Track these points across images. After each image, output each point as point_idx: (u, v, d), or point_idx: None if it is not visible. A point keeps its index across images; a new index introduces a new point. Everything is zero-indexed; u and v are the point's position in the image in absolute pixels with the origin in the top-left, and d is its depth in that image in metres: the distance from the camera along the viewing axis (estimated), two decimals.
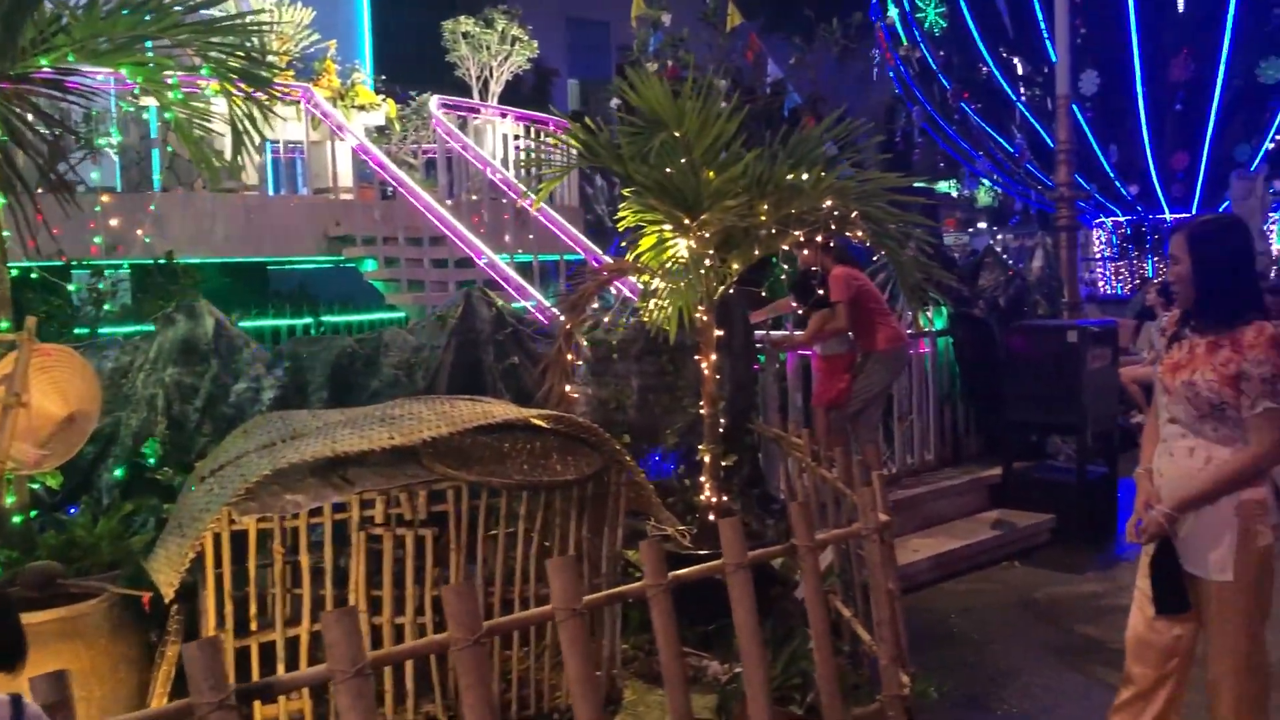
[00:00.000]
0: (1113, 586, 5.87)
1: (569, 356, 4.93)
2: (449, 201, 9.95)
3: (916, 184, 19.75)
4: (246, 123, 4.57)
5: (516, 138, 11.21)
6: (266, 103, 4.63)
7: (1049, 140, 12.17)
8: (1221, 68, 16.44)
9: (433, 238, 9.35)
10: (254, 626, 3.72)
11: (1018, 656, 4.91)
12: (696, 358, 4.94)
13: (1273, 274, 15.24)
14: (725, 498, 4.97)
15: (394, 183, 9.35)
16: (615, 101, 9.93)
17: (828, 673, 3.20)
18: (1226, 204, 16.38)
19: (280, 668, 3.54)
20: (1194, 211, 17.68)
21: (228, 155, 4.68)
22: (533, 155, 8.47)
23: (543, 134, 11.04)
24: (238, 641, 3.64)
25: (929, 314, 7.67)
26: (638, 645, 4.44)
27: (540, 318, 6.69)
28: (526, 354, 5.60)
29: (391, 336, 5.58)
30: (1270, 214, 17.53)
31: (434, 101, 10.45)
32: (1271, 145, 17.07)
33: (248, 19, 5.32)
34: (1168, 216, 17.76)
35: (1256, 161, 16.77)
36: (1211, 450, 3.14)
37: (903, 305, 7.12)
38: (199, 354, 5.15)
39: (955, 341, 7.93)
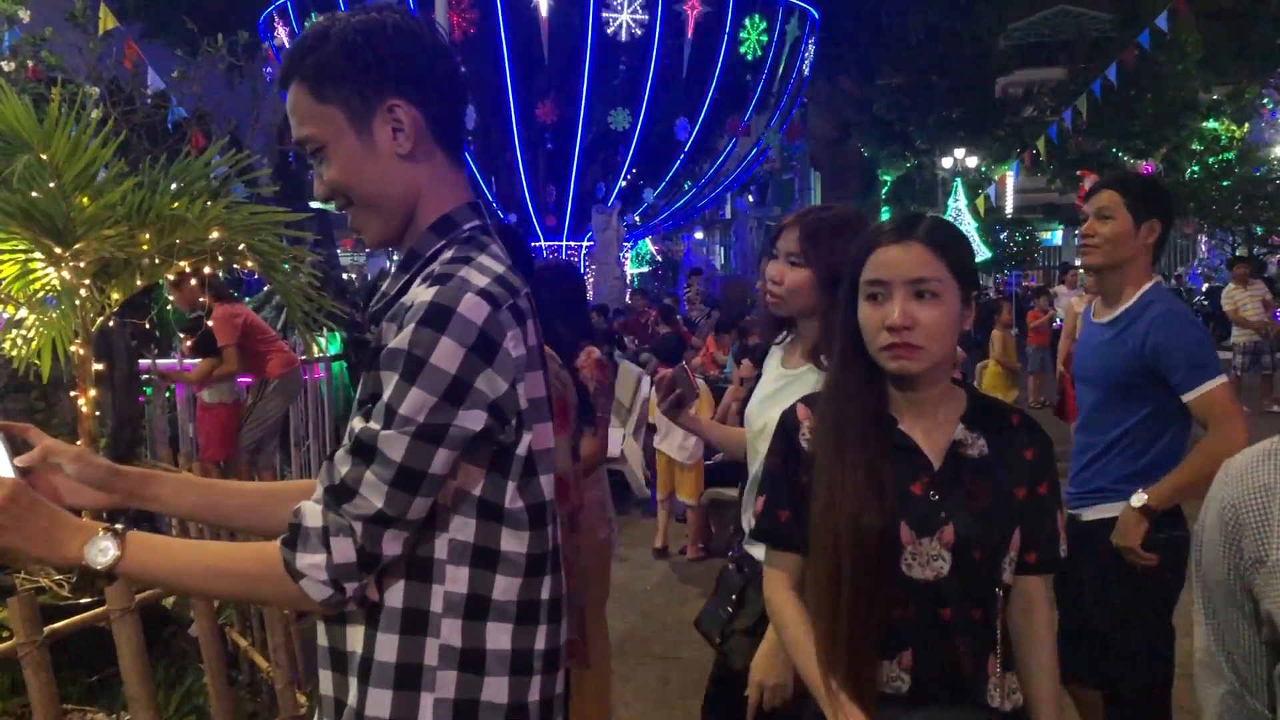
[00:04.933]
0: None
1: None
2: None
3: (312, 204, 19.80)
4: None
5: None
6: None
7: None
8: (581, 114, 18.59)
9: None
10: None
11: None
12: (73, 393, 4.63)
13: (627, 297, 17.55)
14: None
15: None
16: None
17: (222, 705, 3.25)
18: (590, 233, 18.53)
19: None
20: (564, 239, 19.77)
21: None
22: None
23: None
24: None
25: (323, 339, 7.84)
26: (7, 710, 4.08)
27: None
28: None
29: None
30: (624, 243, 20.15)
31: None
32: (624, 183, 19.65)
33: None
34: (543, 244, 19.68)
35: (613, 197, 19.14)
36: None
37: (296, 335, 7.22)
38: None
39: (350, 365, 8.19)
